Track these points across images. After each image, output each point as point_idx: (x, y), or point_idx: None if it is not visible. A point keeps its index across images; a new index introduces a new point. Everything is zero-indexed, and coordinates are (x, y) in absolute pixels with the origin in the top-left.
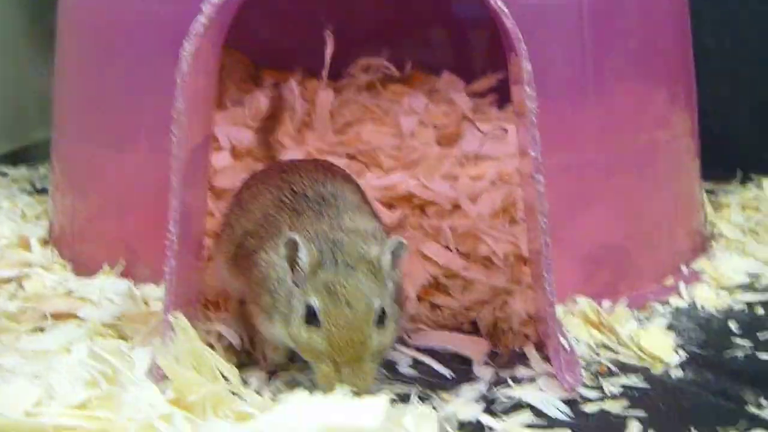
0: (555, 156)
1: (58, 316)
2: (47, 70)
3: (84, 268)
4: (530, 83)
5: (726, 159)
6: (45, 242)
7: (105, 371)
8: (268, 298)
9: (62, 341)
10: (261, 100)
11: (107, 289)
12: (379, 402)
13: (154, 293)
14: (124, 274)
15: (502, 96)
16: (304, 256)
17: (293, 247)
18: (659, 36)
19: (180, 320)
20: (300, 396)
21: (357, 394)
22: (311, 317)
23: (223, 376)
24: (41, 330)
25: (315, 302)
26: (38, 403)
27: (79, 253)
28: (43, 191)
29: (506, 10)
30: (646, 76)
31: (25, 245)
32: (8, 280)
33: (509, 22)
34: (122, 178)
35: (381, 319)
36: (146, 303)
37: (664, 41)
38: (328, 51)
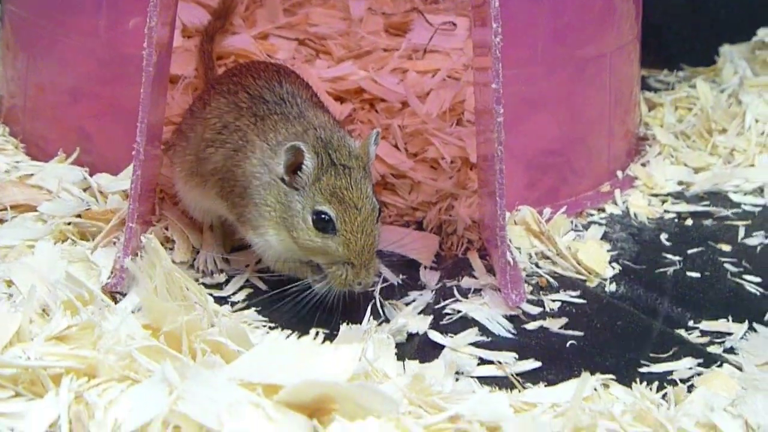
0: (505, 60)
1: (16, 207)
2: None
3: (37, 149)
4: (497, 19)
5: (658, 47)
6: None
7: (81, 294)
8: (253, 210)
9: (24, 236)
10: None
11: (63, 178)
12: (354, 350)
13: (111, 185)
14: (78, 161)
15: None
16: (309, 163)
17: (297, 153)
18: None
19: (151, 241)
20: (275, 338)
21: (364, 288)
22: (323, 224)
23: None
24: (0, 222)
25: (328, 210)
26: (20, 333)
27: (31, 133)
28: None
29: None
30: None
31: None
32: None
33: None
34: (75, 58)
35: (379, 215)
36: (104, 196)
37: None
38: None
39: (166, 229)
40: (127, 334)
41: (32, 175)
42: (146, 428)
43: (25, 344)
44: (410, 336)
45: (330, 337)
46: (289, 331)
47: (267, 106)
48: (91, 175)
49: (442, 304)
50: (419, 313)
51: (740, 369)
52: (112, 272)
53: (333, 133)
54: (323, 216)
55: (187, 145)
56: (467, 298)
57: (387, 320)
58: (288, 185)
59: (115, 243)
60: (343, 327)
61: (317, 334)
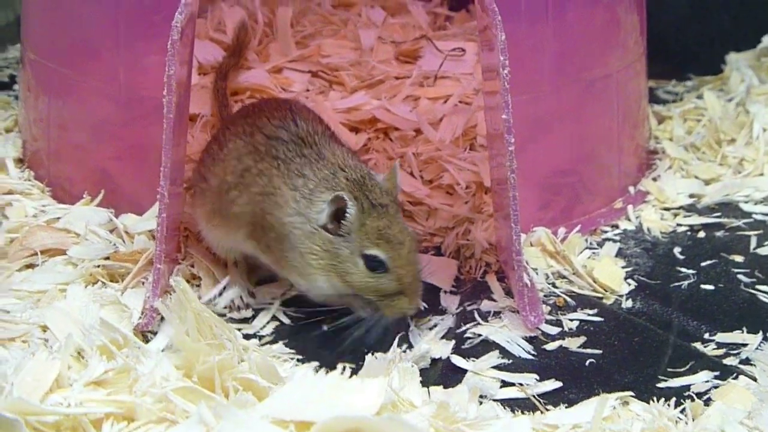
0: (513, 84)
1: (46, 251)
2: None
3: (62, 192)
4: (504, 52)
5: (665, 57)
6: (20, 162)
7: (116, 339)
8: (299, 258)
9: (55, 280)
10: (224, 11)
11: (90, 220)
12: (381, 383)
13: (136, 225)
14: (103, 202)
15: None
16: (353, 210)
17: (340, 203)
18: None
19: (180, 283)
20: (305, 374)
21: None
22: (375, 265)
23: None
24: (31, 267)
25: (378, 253)
26: (59, 380)
27: (56, 176)
28: (2, 87)
29: None
30: (603, 8)
31: (2, 168)
32: None
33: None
34: (95, 101)
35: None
36: (130, 236)
37: None
38: None
39: (192, 266)
40: (161, 376)
41: (59, 218)
42: None
43: (65, 391)
44: (433, 361)
45: (355, 363)
46: (317, 366)
47: (286, 147)
48: (116, 215)
49: (463, 328)
50: (441, 338)
51: (755, 380)
52: (142, 313)
53: (359, 171)
54: (374, 258)
55: (207, 186)
56: (487, 321)
57: (410, 346)
58: (332, 232)
59: (143, 283)
60: (369, 358)
61: (344, 368)
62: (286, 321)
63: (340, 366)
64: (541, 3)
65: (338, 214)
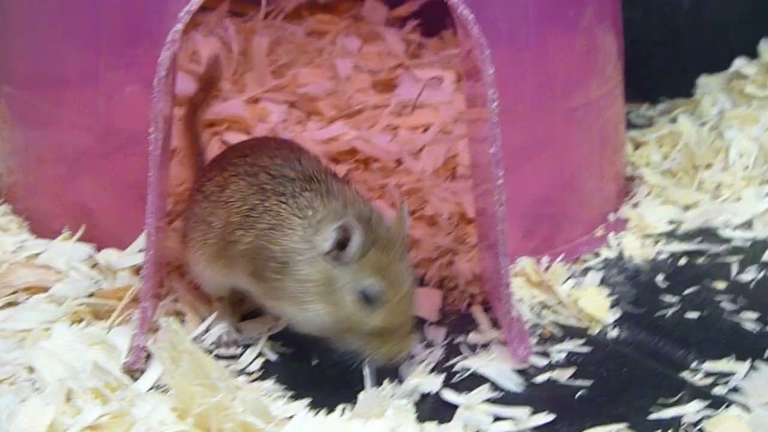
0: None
1: (28, 289)
2: None
3: (40, 226)
4: (493, 85)
5: (637, 80)
6: None
7: (109, 382)
8: (295, 285)
9: (39, 319)
10: (198, 41)
11: (71, 256)
12: (380, 425)
13: (119, 261)
14: (84, 237)
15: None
16: (357, 239)
17: (347, 231)
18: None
19: (172, 323)
20: (305, 416)
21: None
22: (369, 298)
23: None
24: (13, 305)
25: (373, 285)
26: (54, 426)
27: (34, 210)
28: None
29: (472, 17)
30: (583, 36)
31: None
32: None
33: (475, 30)
34: (72, 132)
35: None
36: (113, 272)
37: (600, 5)
38: None
39: (176, 301)
40: (158, 420)
41: (39, 254)
42: None
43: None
44: (423, 396)
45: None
46: (310, 403)
47: (293, 184)
48: (97, 250)
49: (452, 361)
50: (430, 371)
51: (748, 410)
52: (129, 351)
53: (367, 207)
54: (369, 290)
55: (208, 229)
56: (475, 353)
57: (399, 380)
58: (333, 261)
59: (128, 321)
60: (362, 395)
61: (343, 410)
62: (274, 357)
63: (339, 407)
64: (522, 30)
65: (343, 243)
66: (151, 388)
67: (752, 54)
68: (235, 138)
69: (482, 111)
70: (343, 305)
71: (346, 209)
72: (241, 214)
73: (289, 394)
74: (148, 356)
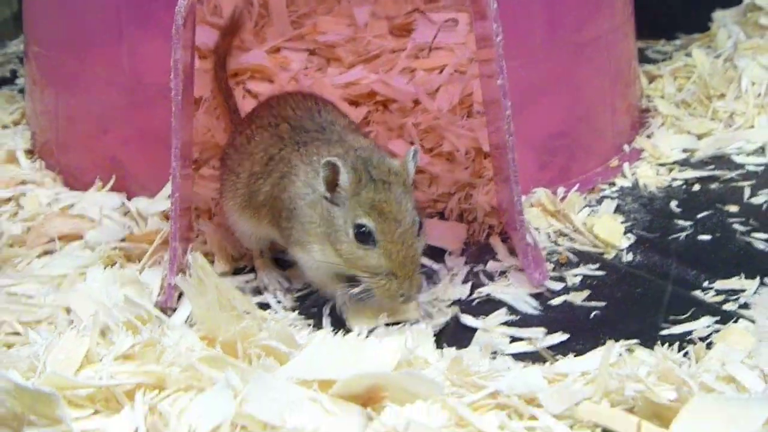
0: (506, 51)
1: (63, 237)
2: None
3: (73, 179)
4: (497, 19)
5: (654, 18)
6: (30, 153)
7: (140, 314)
8: (300, 228)
9: (75, 264)
10: None
11: (103, 205)
12: (396, 342)
13: (148, 207)
14: (115, 187)
15: None
16: (345, 177)
17: (333, 169)
18: None
19: (198, 258)
20: (324, 337)
21: (408, 300)
22: (364, 236)
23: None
24: (49, 253)
25: (368, 222)
26: (89, 356)
27: (66, 165)
28: (4, 82)
29: None
30: None
31: (13, 159)
32: (6, 200)
33: None
34: (100, 89)
35: (419, 229)
36: (143, 218)
37: None
38: None
39: (205, 242)
40: (186, 347)
41: (73, 205)
42: (217, 431)
43: (95, 365)
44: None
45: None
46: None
47: (308, 135)
48: (128, 199)
49: (471, 288)
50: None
51: (753, 323)
52: (161, 290)
53: (373, 152)
54: (363, 228)
55: (237, 179)
56: (493, 280)
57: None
58: (330, 202)
59: (160, 262)
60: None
61: (361, 330)
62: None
63: (356, 328)
64: None
65: (333, 181)
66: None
67: None
68: (257, 87)
69: (491, 51)
70: (342, 244)
71: (348, 153)
72: (261, 163)
73: (312, 324)
74: (180, 296)
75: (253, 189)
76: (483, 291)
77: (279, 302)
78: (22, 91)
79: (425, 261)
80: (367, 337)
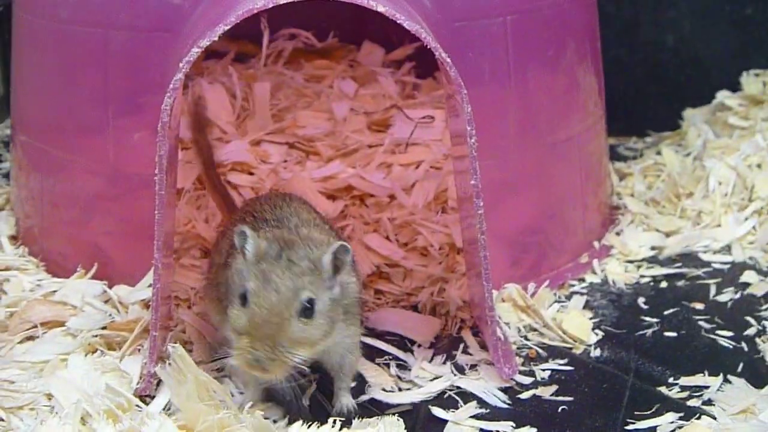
0: (479, 149)
1: (45, 324)
2: None
3: (56, 266)
4: (471, 122)
5: (625, 115)
6: (14, 238)
7: (120, 403)
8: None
9: (56, 351)
10: (204, 86)
11: (85, 292)
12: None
13: (130, 296)
14: (96, 275)
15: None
16: (250, 246)
17: (243, 237)
18: (574, 40)
19: (178, 349)
20: (299, 428)
21: (264, 373)
22: (244, 299)
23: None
24: (32, 339)
25: (250, 286)
26: None
27: (49, 252)
28: None
29: (449, 61)
30: (563, 74)
31: None
32: None
33: (452, 72)
34: (85, 178)
35: (308, 311)
36: (124, 306)
37: (579, 44)
38: (265, 41)
39: (183, 332)
40: None
41: (55, 291)
42: None
43: None
44: (415, 412)
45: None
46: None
47: (267, 224)
48: (109, 287)
49: (441, 380)
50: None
51: (715, 419)
52: (141, 378)
53: (310, 241)
54: (244, 290)
55: (209, 275)
56: (464, 373)
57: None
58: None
59: (140, 350)
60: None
61: (335, 422)
62: None
63: (330, 420)
64: (504, 69)
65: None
66: (161, 412)
67: (735, 87)
68: (238, 178)
69: (465, 147)
70: (231, 304)
71: (274, 232)
72: (224, 255)
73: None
74: (158, 383)
75: (219, 281)
76: (453, 384)
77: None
78: (6, 175)
79: (395, 352)
80: (341, 429)
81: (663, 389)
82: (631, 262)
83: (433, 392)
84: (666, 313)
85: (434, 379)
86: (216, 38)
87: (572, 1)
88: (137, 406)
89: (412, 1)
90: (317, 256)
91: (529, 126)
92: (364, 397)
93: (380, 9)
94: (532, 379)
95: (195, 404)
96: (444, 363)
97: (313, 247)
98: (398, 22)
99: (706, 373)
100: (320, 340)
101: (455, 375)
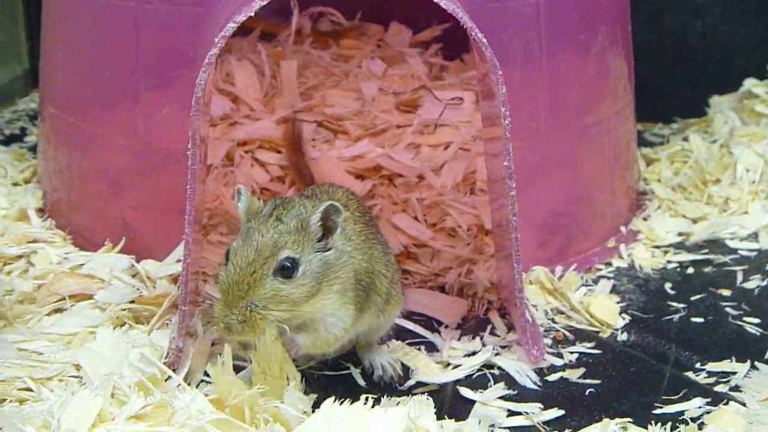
0: (510, 132)
1: (73, 296)
2: None
3: (83, 239)
4: (505, 104)
5: (652, 101)
6: (41, 211)
7: (152, 375)
8: None
9: (84, 323)
10: (233, 63)
11: (113, 266)
12: (400, 412)
13: (157, 270)
14: (124, 249)
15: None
16: (242, 204)
17: (238, 195)
18: (605, 24)
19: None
20: (331, 405)
21: (237, 336)
22: (227, 257)
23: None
24: (60, 311)
25: (233, 244)
26: (101, 415)
27: (77, 225)
28: (14, 139)
29: (485, 41)
30: (594, 58)
31: (25, 217)
32: (18, 258)
33: (488, 53)
34: (113, 152)
35: (288, 270)
36: (152, 281)
37: (610, 28)
38: (294, 18)
39: (211, 307)
40: (197, 410)
41: (82, 265)
42: None
43: (107, 425)
44: (442, 392)
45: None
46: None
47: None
48: (137, 261)
49: (470, 360)
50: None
51: (744, 405)
52: (168, 352)
53: (301, 201)
54: (227, 251)
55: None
56: (492, 354)
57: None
58: None
59: (167, 324)
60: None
61: (366, 399)
62: None
63: (363, 396)
64: (536, 52)
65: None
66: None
67: (762, 74)
68: (265, 156)
69: (497, 129)
70: None
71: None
72: None
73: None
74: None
75: None
76: (482, 364)
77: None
78: (31, 149)
79: (421, 331)
80: (372, 407)
81: (690, 374)
82: (658, 247)
83: (473, 367)
84: (693, 299)
85: (469, 355)
86: (252, 14)
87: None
88: (169, 377)
89: None
90: (307, 215)
91: (559, 109)
92: (410, 382)
93: None
94: (560, 361)
95: (229, 377)
96: (472, 342)
97: (308, 208)
98: (435, 1)
99: (733, 359)
100: (301, 300)
101: (493, 350)
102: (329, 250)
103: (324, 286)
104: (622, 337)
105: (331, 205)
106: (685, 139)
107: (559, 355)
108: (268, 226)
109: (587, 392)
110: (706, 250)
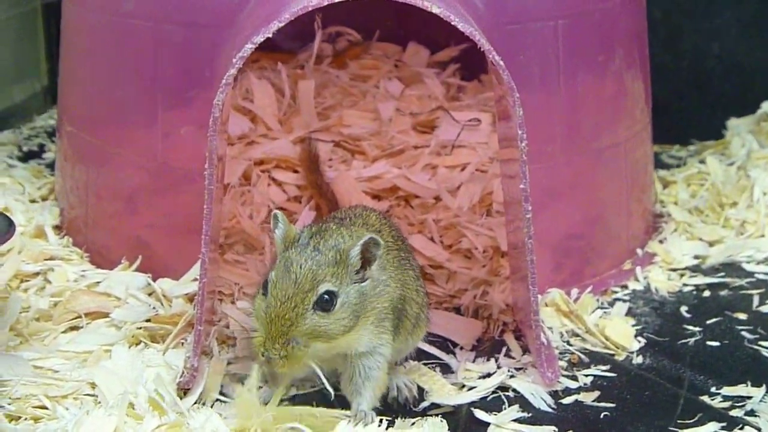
0: (527, 153)
1: (89, 314)
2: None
3: (99, 257)
4: (522, 126)
5: (669, 123)
6: (58, 228)
7: (167, 395)
8: None
9: (100, 341)
10: (252, 81)
11: (129, 285)
12: None
13: (173, 289)
14: (140, 267)
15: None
16: (280, 231)
17: (275, 221)
18: (623, 45)
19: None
20: (345, 425)
21: (277, 368)
22: (266, 287)
23: None
24: (76, 329)
25: (272, 274)
26: None
27: (94, 243)
28: (32, 155)
29: (502, 64)
30: (612, 80)
31: (42, 234)
32: (35, 275)
33: (505, 75)
34: (130, 171)
35: (327, 303)
36: (168, 300)
37: (628, 50)
38: (317, 41)
39: (227, 327)
40: (211, 430)
41: (99, 282)
42: None
43: None
44: (457, 413)
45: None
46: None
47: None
48: (153, 280)
49: (484, 382)
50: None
51: (760, 430)
52: (183, 371)
53: (348, 230)
54: (267, 279)
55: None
56: (507, 376)
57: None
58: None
59: (183, 344)
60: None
61: (381, 421)
62: None
63: (377, 419)
64: (553, 74)
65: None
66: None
67: None
68: (282, 176)
69: (514, 151)
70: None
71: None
72: None
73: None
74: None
75: None
76: (496, 386)
77: None
78: (49, 165)
79: (436, 352)
80: (387, 428)
81: (705, 398)
82: (674, 270)
83: (487, 390)
84: (708, 322)
85: (484, 377)
86: (270, 35)
87: (622, 6)
88: (183, 398)
89: (464, 3)
90: (346, 247)
91: (576, 131)
92: (425, 403)
93: (435, 10)
94: (575, 384)
95: (253, 398)
96: (487, 363)
97: (346, 238)
98: (452, 23)
99: (749, 383)
100: (339, 334)
101: (508, 372)
102: (366, 280)
103: (361, 318)
104: (638, 360)
105: (371, 238)
106: (702, 162)
107: (574, 378)
108: (306, 256)
109: (602, 415)
110: (723, 274)
